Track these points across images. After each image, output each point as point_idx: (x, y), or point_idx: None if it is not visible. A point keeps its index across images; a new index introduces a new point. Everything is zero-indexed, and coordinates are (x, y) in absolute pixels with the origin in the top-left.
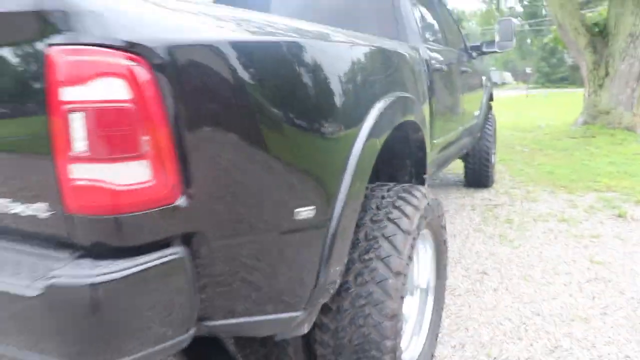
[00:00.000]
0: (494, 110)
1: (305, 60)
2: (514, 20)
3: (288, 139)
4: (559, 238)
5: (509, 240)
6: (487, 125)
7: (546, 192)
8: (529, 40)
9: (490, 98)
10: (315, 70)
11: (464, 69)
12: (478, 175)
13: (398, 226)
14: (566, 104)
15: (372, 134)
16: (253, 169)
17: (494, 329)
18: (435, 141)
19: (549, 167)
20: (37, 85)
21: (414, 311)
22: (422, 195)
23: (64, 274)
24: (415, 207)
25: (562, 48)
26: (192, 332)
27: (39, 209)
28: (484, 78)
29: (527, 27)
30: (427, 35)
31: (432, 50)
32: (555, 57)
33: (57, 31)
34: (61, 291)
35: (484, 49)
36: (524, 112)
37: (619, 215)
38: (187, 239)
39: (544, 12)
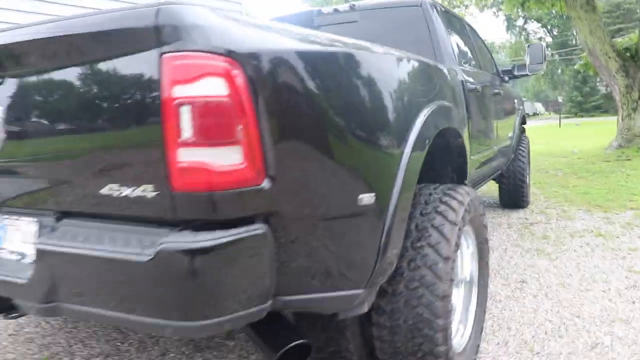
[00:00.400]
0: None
1: (366, 68)
2: (544, 44)
3: (353, 134)
4: (596, 251)
5: (546, 254)
6: (520, 147)
7: (581, 210)
8: (559, 70)
9: (523, 121)
10: (375, 76)
11: (496, 91)
12: (513, 195)
13: (445, 217)
14: (600, 132)
15: (420, 135)
16: (323, 160)
17: (535, 329)
18: (471, 158)
19: (583, 188)
20: (152, 85)
21: (459, 302)
22: (465, 192)
23: (171, 241)
24: (460, 202)
25: (592, 74)
26: (270, 303)
27: (146, 190)
28: (516, 101)
29: (557, 57)
30: (462, 59)
31: (466, 73)
32: (588, 85)
33: (169, 41)
34: (169, 256)
35: (515, 73)
36: (557, 140)
37: None
38: (267, 218)
39: (573, 41)
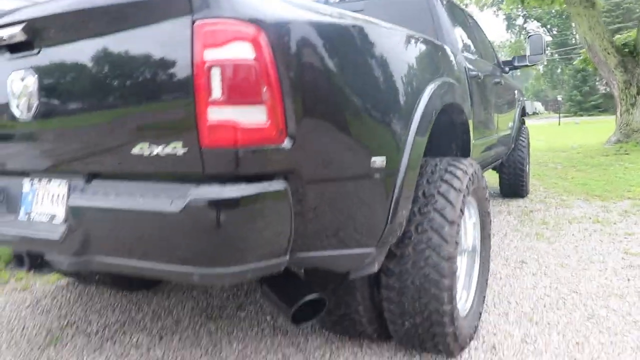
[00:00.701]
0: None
1: (376, 40)
2: (544, 35)
3: (366, 101)
4: (594, 235)
5: (545, 238)
6: (520, 137)
7: (580, 200)
8: (559, 70)
9: (523, 112)
10: (385, 48)
11: (497, 80)
12: (513, 185)
13: (451, 185)
14: (599, 129)
15: (427, 106)
16: (339, 123)
17: (534, 302)
18: (473, 142)
19: (582, 180)
20: (184, 49)
21: (463, 269)
22: (469, 164)
23: (199, 193)
24: (464, 172)
25: (591, 69)
26: (288, 257)
27: (176, 148)
28: (516, 92)
29: (556, 56)
30: (464, 47)
31: (468, 60)
32: (587, 84)
33: (201, 9)
34: (198, 206)
35: (516, 63)
36: (556, 137)
37: None
38: (287, 176)
39: (573, 41)
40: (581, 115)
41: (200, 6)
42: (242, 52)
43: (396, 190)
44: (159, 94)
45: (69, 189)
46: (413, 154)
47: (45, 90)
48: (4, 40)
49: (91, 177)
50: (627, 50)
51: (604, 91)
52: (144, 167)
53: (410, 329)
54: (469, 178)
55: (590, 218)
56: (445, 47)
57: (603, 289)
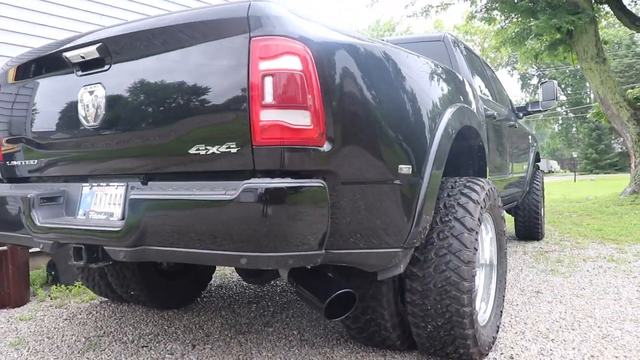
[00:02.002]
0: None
1: (405, 63)
2: (555, 82)
3: (395, 113)
4: (608, 272)
5: (560, 273)
6: (535, 181)
7: (595, 242)
8: (574, 129)
9: (537, 158)
10: (412, 70)
11: (512, 123)
12: (528, 228)
13: (469, 197)
14: (615, 185)
15: (448, 124)
16: (371, 132)
17: (550, 324)
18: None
19: (597, 226)
20: (241, 62)
21: (481, 283)
22: (486, 182)
23: (252, 183)
24: (482, 187)
25: (605, 122)
26: (323, 251)
27: (230, 146)
28: (530, 137)
29: (571, 115)
30: (481, 89)
31: (484, 101)
32: (603, 142)
33: (257, 27)
34: (250, 194)
35: (529, 109)
36: (572, 191)
37: None
38: (325, 176)
39: (587, 100)
40: (597, 173)
41: (256, 25)
42: (291, 63)
43: (420, 197)
44: (217, 100)
45: (126, 190)
46: (435, 165)
47: (112, 102)
48: (82, 58)
49: (147, 178)
50: (639, 104)
51: (620, 149)
52: (198, 166)
53: (432, 331)
54: (486, 193)
55: (605, 257)
56: (465, 80)
57: (618, 314)
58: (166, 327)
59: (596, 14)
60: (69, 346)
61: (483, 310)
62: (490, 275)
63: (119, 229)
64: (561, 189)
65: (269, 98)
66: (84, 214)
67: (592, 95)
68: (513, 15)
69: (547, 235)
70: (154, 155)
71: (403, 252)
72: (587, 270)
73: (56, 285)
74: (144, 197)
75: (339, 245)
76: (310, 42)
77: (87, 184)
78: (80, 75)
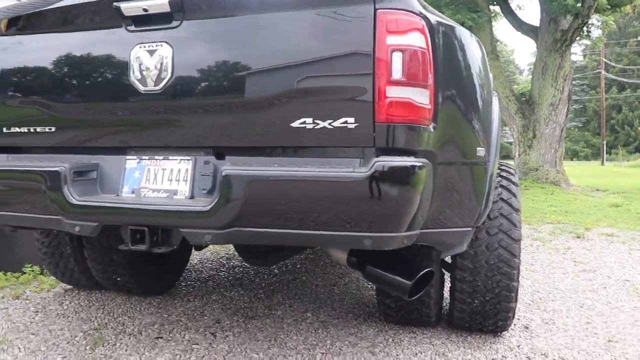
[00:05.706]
0: None
1: (478, 45)
2: None
3: (477, 98)
4: (541, 249)
5: None
6: None
7: None
8: None
9: None
10: (483, 54)
11: None
12: None
13: (510, 180)
14: None
15: (498, 110)
16: (462, 115)
17: (530, 296)
18: None
19: None
20: (364, 33)
21: None
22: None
23: (385, 161)
24: (515, 173)
25: None
26: (419, 231)
27: (347, 122)
28: None
29: None
30: None
31: None
32: None
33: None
34: (385, 172)
35: None
36: None
37: (577, 237)
38: (427, 155)
39: None
40: None
41: None
42: (418, 40)
43: (488, 178)
44: (330, 71)
45: (194, 165)
46: (496, 148)
47: (182, 64)
48: (144, 11)
49: (217, 152)
50: (524, 99)
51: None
52: (298, 141)
53: (477, 306)
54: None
55: (528, 237)
56: None
57: (569, 286)
58: (165, 316)
59: (492, 15)
60: (68, 342)
61: None
62: None
63: (209, 209)
64: None
65: (397, 74)
66: (132, 192)
67: None
68: None
69: None
70: (237, 127)
71: (472, 231)
72: (523, 248)
73: None
74: (246, 173)
75: (426, 225)
76: (427, 19)
77: (133, 157)
78: (132, 31)
